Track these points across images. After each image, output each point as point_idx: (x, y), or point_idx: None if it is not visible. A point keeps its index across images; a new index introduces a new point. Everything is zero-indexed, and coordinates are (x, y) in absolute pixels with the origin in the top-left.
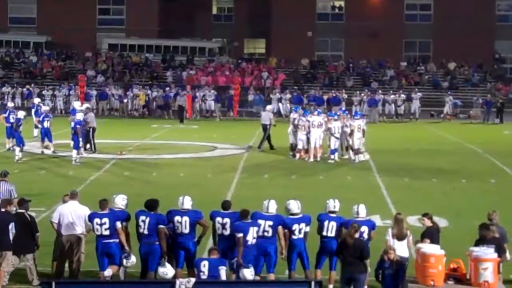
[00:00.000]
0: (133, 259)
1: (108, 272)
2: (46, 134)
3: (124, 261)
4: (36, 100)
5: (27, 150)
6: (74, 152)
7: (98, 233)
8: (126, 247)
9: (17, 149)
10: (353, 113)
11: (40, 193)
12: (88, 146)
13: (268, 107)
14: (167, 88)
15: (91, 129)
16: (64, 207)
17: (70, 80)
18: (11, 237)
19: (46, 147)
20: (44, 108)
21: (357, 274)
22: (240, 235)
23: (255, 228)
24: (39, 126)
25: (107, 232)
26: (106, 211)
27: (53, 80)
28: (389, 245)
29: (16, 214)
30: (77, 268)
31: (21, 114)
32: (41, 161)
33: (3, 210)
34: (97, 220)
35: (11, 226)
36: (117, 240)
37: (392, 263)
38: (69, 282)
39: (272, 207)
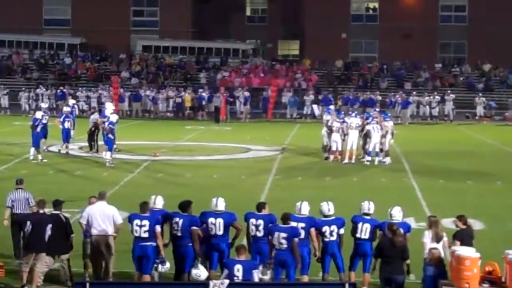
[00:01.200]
0: (168, 265)
1: None
2: (66, 135)
3: (160, 266)
4: (71, 102)
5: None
6: (108, 153)
7: (137, 234)
8: (162, 253)
9: (32, 149)
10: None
11: (74, 195)
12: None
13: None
14: (200, 90)
15: (96, 130)
16: (93, 208)
17: (104, 81)
18: (46, 239)
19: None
20: (65, 109)
21: (396, 274)
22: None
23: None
24: (60, 126)
25: (146, 235)
26: (147, 214)
27: (88, 81)
28: (430, 246)
29: (51, 215)
30: (109, 269)
31: (38, 114)
32: (76, 162)
33: (41, 211)
34: (137, 222)
35: (48, 228)
36: (154, 244)
37: (433, 263)
38: (103, 283)
39: (305, 209)
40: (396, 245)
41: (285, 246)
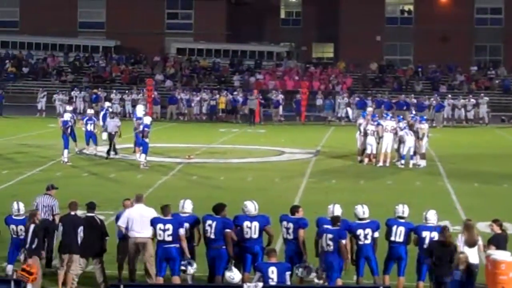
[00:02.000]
0: (195, 266)
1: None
2: (90, 136)
3: (189, 267)
4: (106, 104)
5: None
6: (143, 156)
7: (160, 238)
8: (187, 254)
9: (65, 151)
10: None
11: (108, 197)
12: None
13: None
14: (235, 92)
15: (111, 134)
16: (132, 211)
17: (139, 84)
18: (79, 241)
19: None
20: (89, 111)
21: (446, 276)
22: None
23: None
24: (83, 128)
25: (169, 238)
26: (169, 217)
27: (122, 84)
28: (460, 250)
29: (86, 217)
30: (150, 271)
31: (67, 116)
32: (109, 165)
33: (72, 213)
34: (160, 226)
35: (80, 230)
36: (177, 245)
37: (461, 269)
38: (137, 285)
39: (337, 211)
40: (447, 248)
41: (331, 248)
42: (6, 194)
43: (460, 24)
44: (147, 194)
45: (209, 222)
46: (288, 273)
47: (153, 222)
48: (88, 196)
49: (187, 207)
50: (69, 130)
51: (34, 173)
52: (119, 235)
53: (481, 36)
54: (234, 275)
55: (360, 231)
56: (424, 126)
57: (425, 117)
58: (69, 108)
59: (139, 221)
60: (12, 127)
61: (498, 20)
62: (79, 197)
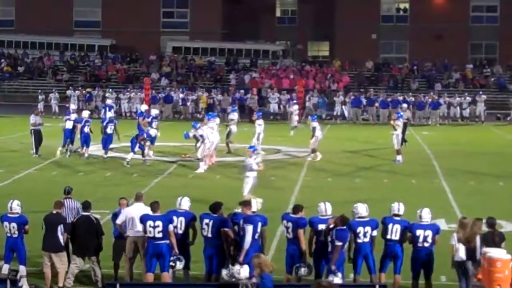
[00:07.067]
0: (183, 262)
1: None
2: (86, 139)
3: (177, 263)
4: (109, 101)
5: (93, 152)
6: (151, 152)
7: (151, 235)
8: (176, 250)
9: (85, 148)
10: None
11: (104, 196)
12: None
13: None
14: (242, 91)
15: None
16: (130, 209)
17: (135, 83)
18: (61, 239)
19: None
20: (84, 114)
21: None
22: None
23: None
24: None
25: (160, 235)
26: (158, 214)
27: (118, 83)
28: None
29: (81, 216)
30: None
31: (74, 116)
32: (105, 164)
33: (54, 212)
34: (150, 223)
35: (60, 227)
36: (167, 241)
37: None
38: (134, 284)
39: (329, 209)
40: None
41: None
42: (1, 193)
43: (456, 22)
44: (143, 193)
45: (206, 221)
46: (259, 224)
47: (143, 219)
48: (83, 195)
49: (184, 204)
50: (86, 128)
51: (29, 172)
52: (115, 233)
53: (476, 34)
54: (240, 269)
55: (360, 229)
56: (399, 123)
57: (401, 113)
58: (73, 106)
59: (137, 219)
60: (8, 126)
61: (494, 18)
62: (75, 196)
